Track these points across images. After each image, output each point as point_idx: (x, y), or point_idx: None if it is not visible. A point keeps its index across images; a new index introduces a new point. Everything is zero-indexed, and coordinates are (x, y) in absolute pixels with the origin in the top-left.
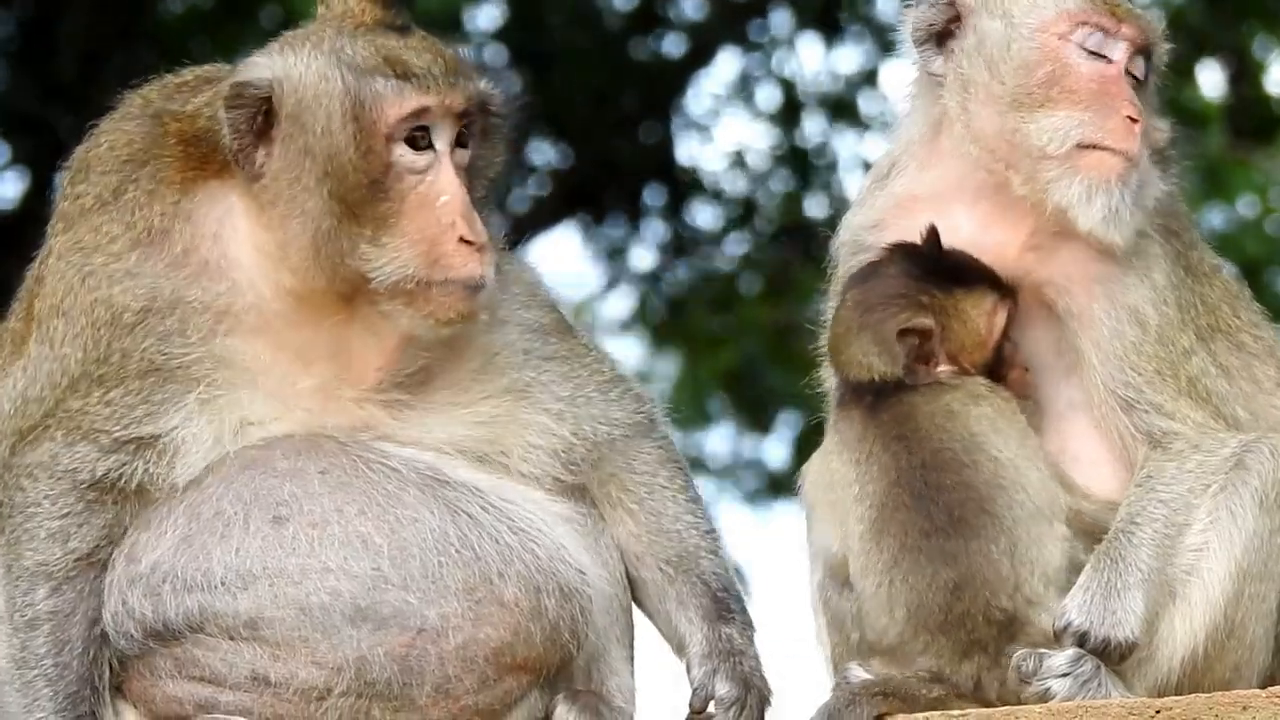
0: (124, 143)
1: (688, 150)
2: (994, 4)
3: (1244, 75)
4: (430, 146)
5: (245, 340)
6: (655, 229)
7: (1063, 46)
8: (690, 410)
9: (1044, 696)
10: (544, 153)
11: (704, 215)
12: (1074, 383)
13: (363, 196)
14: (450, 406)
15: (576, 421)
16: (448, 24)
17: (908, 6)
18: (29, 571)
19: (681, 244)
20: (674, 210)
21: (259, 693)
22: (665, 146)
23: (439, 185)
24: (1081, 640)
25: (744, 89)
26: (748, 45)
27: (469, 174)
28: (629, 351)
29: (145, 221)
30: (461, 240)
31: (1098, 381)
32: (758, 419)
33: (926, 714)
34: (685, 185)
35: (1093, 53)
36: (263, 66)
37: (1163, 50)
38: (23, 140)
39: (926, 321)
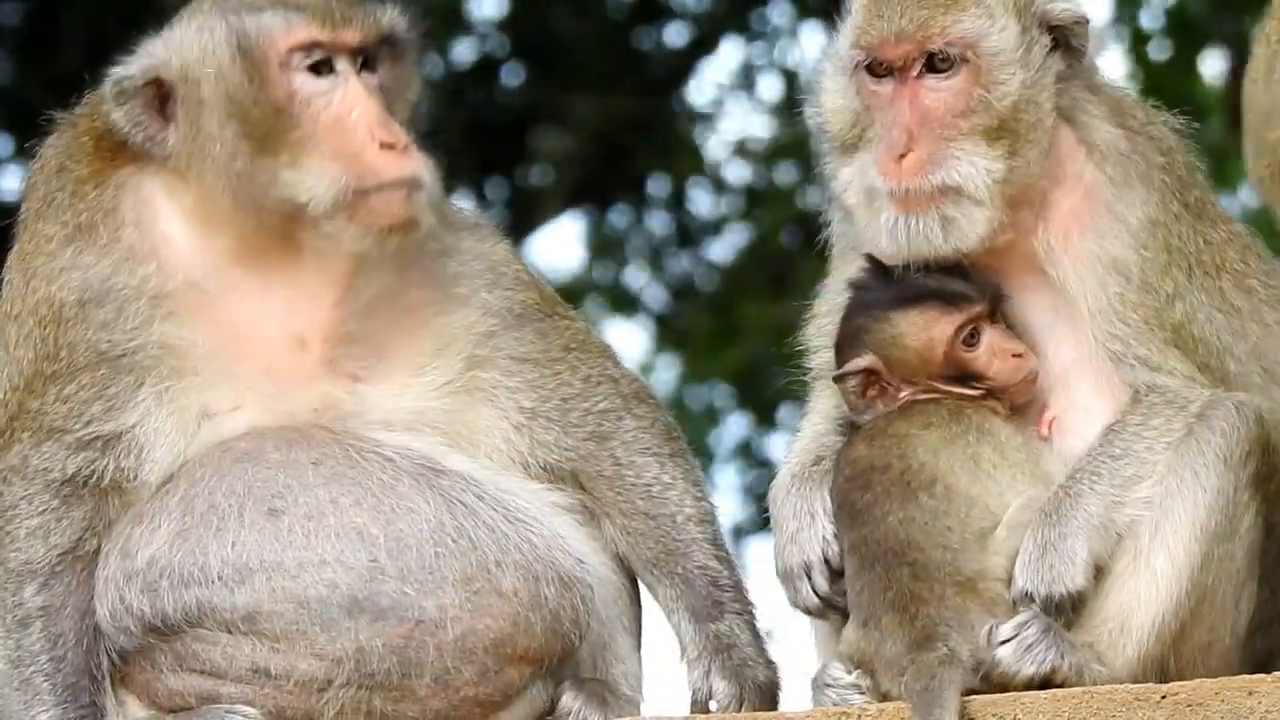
0: (54, 154)
1: (690, 140)
2: None
3: (1244, 66)
4: (333, 71)
5: (185, 323)
6: (659, 219)
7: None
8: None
9: (992, 666)
10: (548, 142)
11: (706, 205)
12: (1076, 340)
13: (271, 128)
14: (409, 383)
15: (531, 444)
16: (449, 15)
17: None
18: (15, 572)
19: (686, 234)
20: (677, 200)
21: (260, 685)
22: (668, 137)
23: (348, 101)
24: (1031, 601)
25: (746, 78)
26: (750, 34)
27: (385, 96)
28: (632, 340)
29: (74, 219)
30: (383, 146)
31: (1090, 337)
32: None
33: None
34: (687, 175)
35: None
36: (141, 54)
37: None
38: (27, 133)
39: (862, 361)
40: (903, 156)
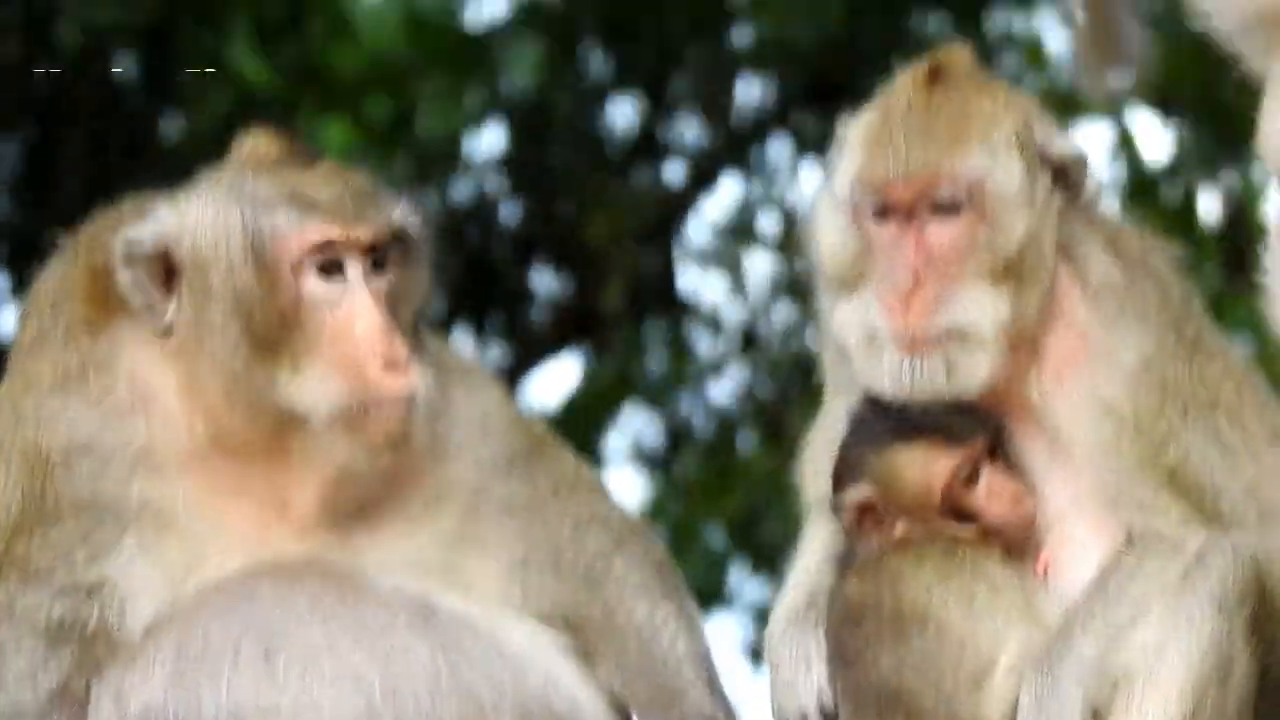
0: (51, 286)
1: (688, 279)
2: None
3: (1241, 209)
4: (342, 274)
5: (170, 481)
6: (658, 358)
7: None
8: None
9: None
10: (546, 280)
11: (704, 347)
12: (1070, 482)
13: (275, 332)
14: (403, 535)
15: (524, 592)
16: (448, 150)
17: None
18: (4, 717)
19: (682, 375)
20: (675, 340)
21: None
22: (666, 275)
23: (355, 311)
24: None
25: (745, 216)
26: (749, 172)
27: (392, 298)
28: (631, 485)
29: (64, 365)
30: (385, 362)
31: (1083, 479)
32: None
33: None
34: (684, 316)
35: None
36: (154, 220)
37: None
38: (27, 269)
39: (859, 493)
40: (909, 298)
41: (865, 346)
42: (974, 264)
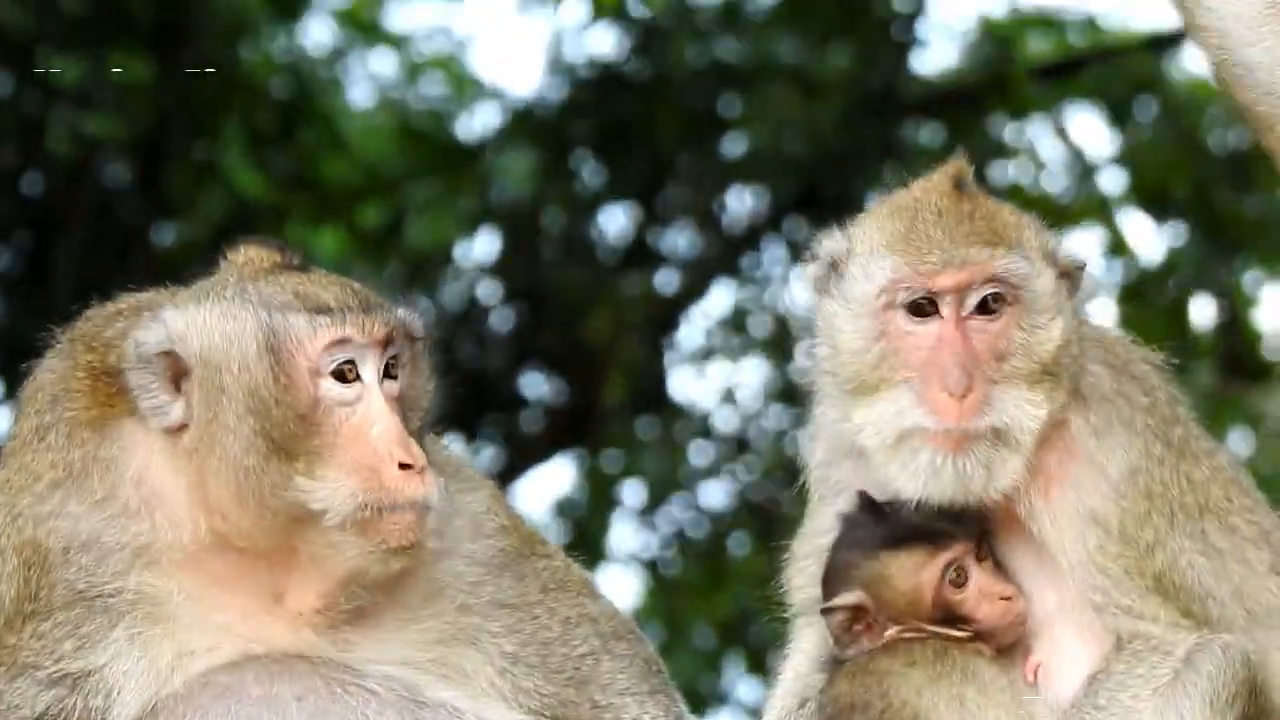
0: (49, 381)
1: (680, 385)
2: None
3: (1235, 315)
4: (358, 378)
5: (167, 575)
6: (649, 464)
7: None
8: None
9: None
10: (538, 386)
11: (696, 452)
12: (1058, 589)
13: (291, 431)
14: (396, 635)
15: (514, 689)
16: (440, 258)
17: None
18: None
19: (675, 480)
20: (668, 446)
21: None
22: (658, 381)
23: (371, 415)
24: None
25: (737, 323)
26: (741, 279)
27: (402, 404)
28: (625, 588)
29: (66, 464)
30: (401, 466)
31: (1071, 587)
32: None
33: None
34: (677, 421)
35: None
36: (161, 322)
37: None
38: (21, 373)
39: (850, 597)
40: (963, 396)
41: (894, 446)
42: (1013, 365)
